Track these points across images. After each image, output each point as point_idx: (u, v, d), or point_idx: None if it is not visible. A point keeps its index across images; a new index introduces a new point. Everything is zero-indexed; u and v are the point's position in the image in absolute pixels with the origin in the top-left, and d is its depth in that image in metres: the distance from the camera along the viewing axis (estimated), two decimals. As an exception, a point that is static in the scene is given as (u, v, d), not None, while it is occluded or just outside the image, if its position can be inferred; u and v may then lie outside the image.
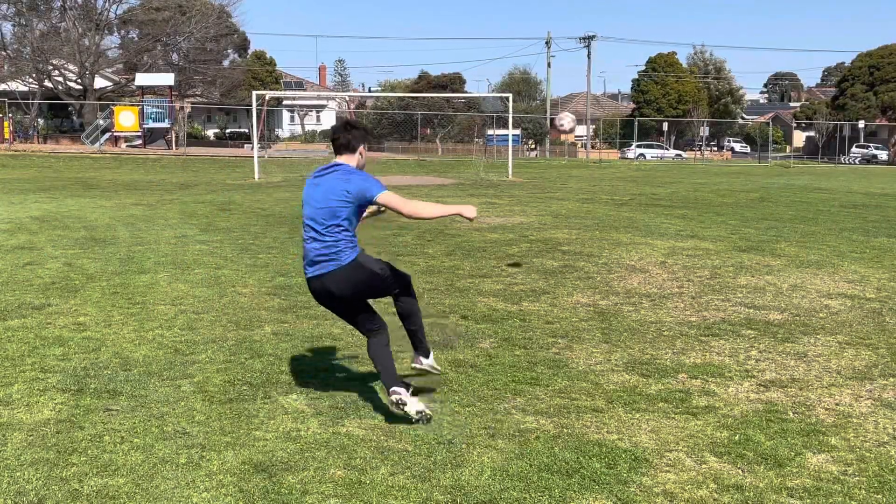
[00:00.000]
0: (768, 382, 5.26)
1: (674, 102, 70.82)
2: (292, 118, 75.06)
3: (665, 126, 67.03)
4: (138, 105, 43.46)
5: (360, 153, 4.72)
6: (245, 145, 50.88)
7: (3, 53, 48.18)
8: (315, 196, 4.60)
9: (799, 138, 78.77)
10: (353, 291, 4.60)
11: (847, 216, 15.65)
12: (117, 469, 3.85)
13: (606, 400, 4.89)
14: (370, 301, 4.81)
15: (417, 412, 4.42)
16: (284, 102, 69.79)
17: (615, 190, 22.51)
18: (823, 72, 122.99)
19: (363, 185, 4.52)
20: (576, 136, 65.77)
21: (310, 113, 75.19)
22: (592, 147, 59.13)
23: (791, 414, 4.70)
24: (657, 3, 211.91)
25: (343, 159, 4.67)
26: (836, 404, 4.87)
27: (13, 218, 13.59)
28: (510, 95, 33.39)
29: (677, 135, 72.11)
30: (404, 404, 4.40)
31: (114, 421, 4.45)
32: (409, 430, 4.37)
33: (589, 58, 63.05)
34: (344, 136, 4.67)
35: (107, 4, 48.53)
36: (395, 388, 4.45)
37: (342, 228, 4.53)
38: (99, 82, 49.23)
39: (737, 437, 4.32)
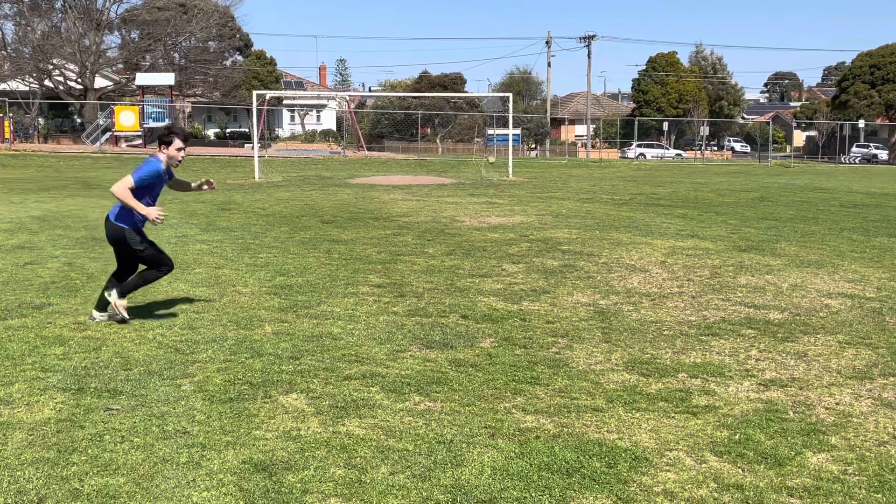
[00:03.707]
0: (768, 382, 5.27)
1: (674, 102, 70.73)
2: (292, 118, 75.06)
3: (665, 126, 67.02)
4: (138, 104, 43.50)
5: (161, 150, 6.54)
6: (245, 145, 50.88)
7: (4, 53, 48.20)
8: None
9: (799, 138, 78.69)
10: (111, 241, 6.69)
11: (847, 216, 15.66)
12: (118, 468, 3.86)
13: (606, 399, 4.90)
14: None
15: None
16: (284, 102, 69.77)
17: (615, 189, 22.50)
18: (824, 71, 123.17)
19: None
20: (576, 136, 65.75)
21: (310, 112, 75.20)
22: (593, 147, 59.12)
23: (791, 413, 4.70)
24: (657, 2, 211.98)
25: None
26: (836, 404, 4.88)
27: (13, 217, 13.59)
28: (510, 95, 33.39)
29: (677, 134, 72.06)
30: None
31: (114, 420, 4.45)
32: (409, 429, 4.38)
33: (589, 57, 63.07)
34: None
35: (107, 4, 48.57)
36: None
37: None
38: (99, 82, 49.27)
39: (737, 437, 4.33)
